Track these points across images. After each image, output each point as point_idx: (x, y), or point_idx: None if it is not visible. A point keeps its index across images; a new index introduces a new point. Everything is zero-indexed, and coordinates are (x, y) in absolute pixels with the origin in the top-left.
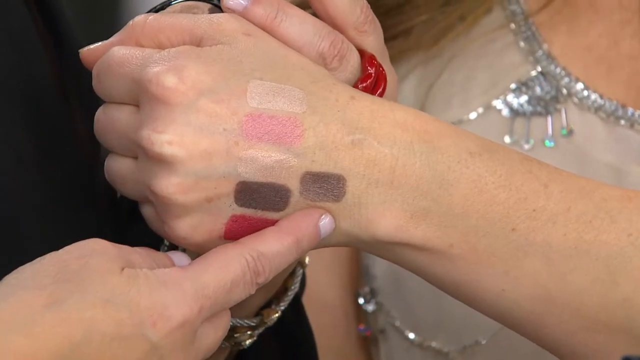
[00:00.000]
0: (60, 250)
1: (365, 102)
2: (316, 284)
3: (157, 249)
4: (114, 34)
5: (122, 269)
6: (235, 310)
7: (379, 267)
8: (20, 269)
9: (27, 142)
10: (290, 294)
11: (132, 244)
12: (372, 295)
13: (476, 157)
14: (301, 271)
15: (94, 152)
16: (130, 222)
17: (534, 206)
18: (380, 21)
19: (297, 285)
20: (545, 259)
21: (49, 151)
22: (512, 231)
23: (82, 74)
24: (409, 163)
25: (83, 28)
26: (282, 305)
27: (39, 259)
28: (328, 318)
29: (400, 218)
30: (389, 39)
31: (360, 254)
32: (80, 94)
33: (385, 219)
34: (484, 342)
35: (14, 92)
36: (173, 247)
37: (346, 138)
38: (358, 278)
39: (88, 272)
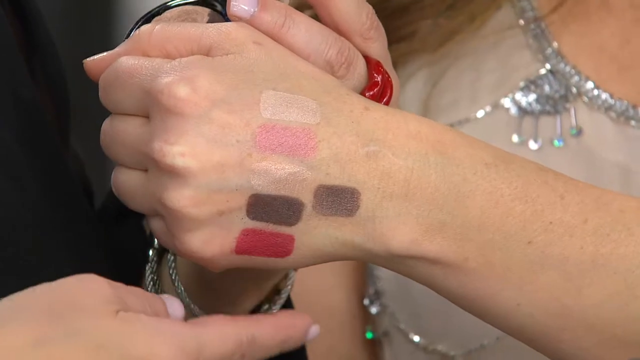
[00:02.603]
0: (54, 283)
1: (380, 113)
2: (323, 286)
3: (146, 251)
4: (106, 31)
5: (117, 312)
6: (228, 314)
7: (384, 268)
8: (15, 296)
9: (18, 152)
10: (284, 296)
11: (121, 247)
12: (376, 296)
13: (492, 168)
14: (293, 273)
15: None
16: (118, 225)
17: (551, 218)
18: (385, 24)
19: (290, 287)
20: (562, 273)
21: (40, 162)
22: (528, 244)
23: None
24: (424, 175)
25: (75, 24)
26: (275, 308)
27: (31, 288)
28: (335, 321)
29: (415, 231)
30: (393, 42)
31: None
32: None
33: (400, 233)
34: (489, 346)
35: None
36: (161, 251)
37: (360, 150)
38: (365, 280)
39: (81, 313)
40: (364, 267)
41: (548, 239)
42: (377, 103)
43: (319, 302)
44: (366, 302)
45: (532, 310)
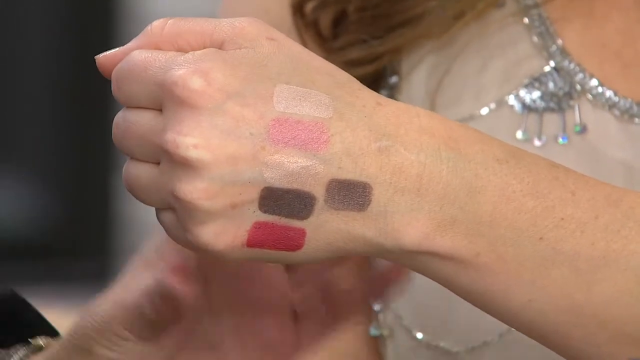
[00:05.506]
0: None
1: (391, 108)
2: None
3: None
4: (108, 36)
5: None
6: None
7: (386, 264)
8: None
9: None
10: None
11: None
12: None
13: (503, 164)
14: None
15: None
16: None
17: (562, 215)
18: (389, 7)
19: None
20: (573, 269)
21: None
22: (539, 240)
23: None
24: (435, 170)
25: (77, 28)
26: None
27: None
28: (339, 318)
29: (427, 227)
30: (398, 26)
31: None
32: None
33: (412, 228)
34: (492, 343)
35: None
36: None
37: (373, 145)
38: None
39: None
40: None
41: (559, 235)
42: (389, 99)
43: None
44: None
45: (543, 306)
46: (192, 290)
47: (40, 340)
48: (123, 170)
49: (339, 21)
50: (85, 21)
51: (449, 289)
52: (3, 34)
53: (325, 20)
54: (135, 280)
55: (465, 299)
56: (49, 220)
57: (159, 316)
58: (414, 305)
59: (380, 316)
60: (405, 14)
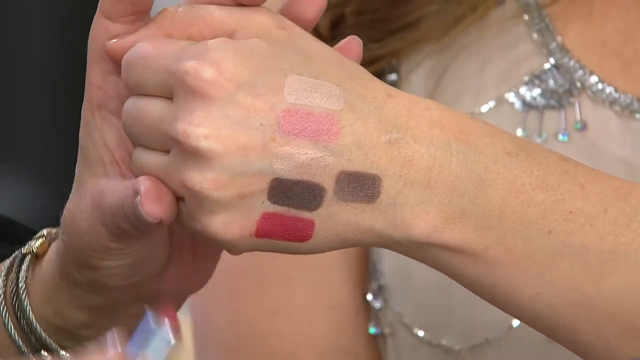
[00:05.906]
0: None
1: (402, 100)
2: (327, 281)
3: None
4: None
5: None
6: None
7: (387, 263)
8: None
9: None
10: None
11: None
12: (380, 291)
13: (513, 157)
14: None
15: None
16: None
17: (571, 208)
18: (389, 11)
19: None
20: (582, 262)
21: None
22: (548, 233)
23: None
24: (445, 163)
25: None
26: None
27: None
28: (338, 316)
29: (437, 219)
30: (397, 30)
31: (369, 250)
32: None
33: (421, 220)
34: (494, 340)
35: None
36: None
37: (383, 137)
38: (368, 275)
39: None
40: (367, 262)
41: (569, 229)
42: (399, 90)
43: (322, 298)
44: (369, 297)
45: (551, 300)
46: (162, 211)
47: (33, 245)
48: (132, 157)
49: (337, 24)
50: (85, 21)
51: (457, 281)
52: (3, 34)
53: (324, 23)
54: (108, 199)
55: (473, 291)
56: (49, 220)
57: (140, 227)
58: (415, 303)
59: (381, 314)
60: (406, 18)
